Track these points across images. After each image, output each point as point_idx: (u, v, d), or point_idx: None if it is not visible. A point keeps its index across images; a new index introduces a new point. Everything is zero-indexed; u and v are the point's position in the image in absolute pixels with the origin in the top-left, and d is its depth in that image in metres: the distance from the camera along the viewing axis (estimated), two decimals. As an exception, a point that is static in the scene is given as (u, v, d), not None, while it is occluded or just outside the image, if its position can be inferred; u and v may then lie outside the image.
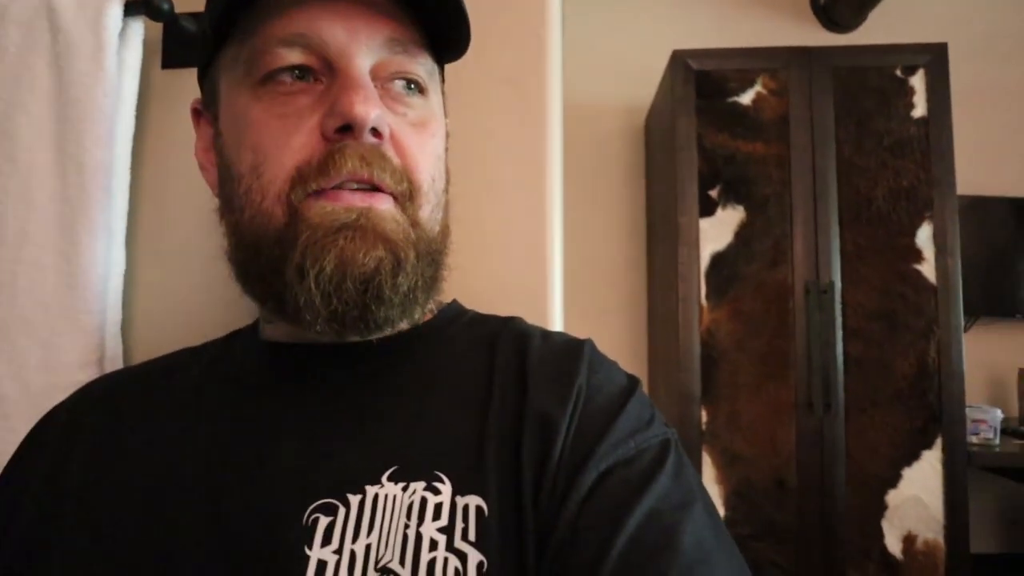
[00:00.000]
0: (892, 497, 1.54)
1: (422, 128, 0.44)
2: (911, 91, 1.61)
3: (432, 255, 0.43)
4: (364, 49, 0.40)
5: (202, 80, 0.48)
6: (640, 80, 2.09)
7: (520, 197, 0.64)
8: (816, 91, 1.63)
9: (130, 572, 0.37)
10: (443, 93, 0.49)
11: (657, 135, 1.94)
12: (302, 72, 0.40)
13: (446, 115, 0.50)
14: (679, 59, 1.68)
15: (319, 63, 0.40)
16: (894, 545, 1.53)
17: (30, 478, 0.43)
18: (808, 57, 1.64)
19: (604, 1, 2.22)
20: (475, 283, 0.62)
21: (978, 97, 2.14)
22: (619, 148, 2.21)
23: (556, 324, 0.63)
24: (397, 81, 0.43)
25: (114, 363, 0.63)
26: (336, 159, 0.38)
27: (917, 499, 1.53)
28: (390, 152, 0.41)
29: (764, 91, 1.64)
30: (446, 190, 0.47)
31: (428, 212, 0.43)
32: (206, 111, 0.47)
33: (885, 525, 1.53)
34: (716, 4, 2.22)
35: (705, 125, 1.65)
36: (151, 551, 0.37)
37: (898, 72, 1.62)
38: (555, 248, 0.65)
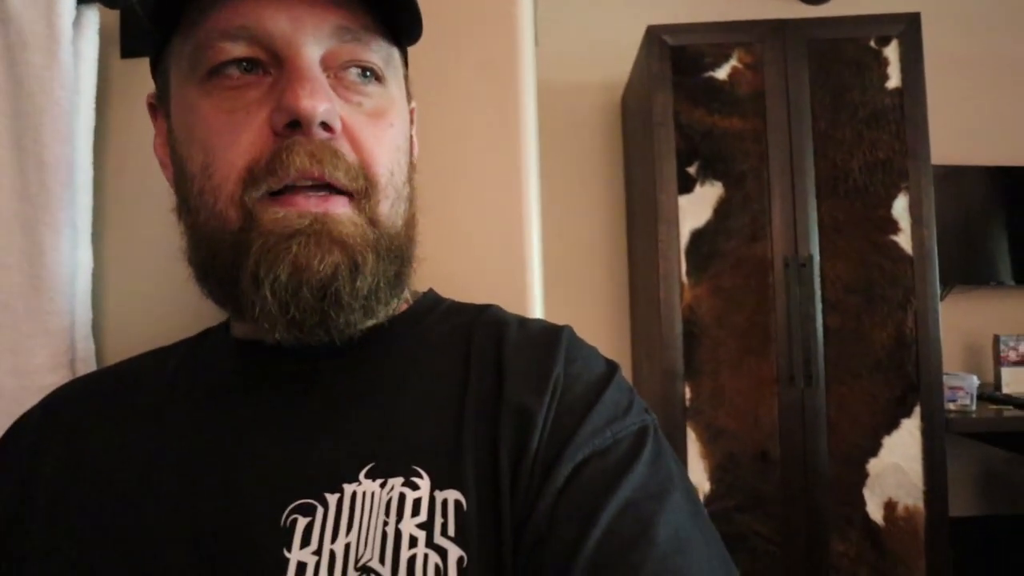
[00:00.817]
0: (873, 465, 1.57)
1: (379, 118, 0.42)
2: (885, 62, 1.62)
3: (395, 252, 0.42)
4: (311, 39, 0.38)
5: (155, 73, 0.46)
6: (615, 57, 2.07)
7: (496, 180, 0.64)
8: (791, 64, 1.63)
9: None
10: (406, 78, 0.48)
11: (634, 112, 1.93)
12: (250, 64, 0.39)
13: (410, 100, 0.49)
14: (654, 35, 1.66)
15: (266, 55, 0.39)
16: (875, 512, 1.56)
17: (2, 484, 0.42)
18: (783, 30, 1.64)
19: (578, -22, 2.19)
20: (453, 269, 0.62)
21: (952, 66, 2.15)
22: (596, 126, 2.19)
23: (536, 306, 0.63)
24: (352, 69, 0.41)
25: (86, 364, 0.61)
26: (284, 157, 0.37)
27: (897, 466, 1.56)
28: (344, 147, 0.39)
29: (740, 65, 1.64)
30: (409, 181, 0.46)
31: (388, 207, 0.42)
32: (160, 105, 0.46)
33: (866, 493, 1.57)
34: (690, -22, 2.20)
35: (681, 101, 1.64)
36: (126, 556, 0.36)
37: (872, 43, 1.62)
38: (533, 231, 0.64)
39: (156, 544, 0.36)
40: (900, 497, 1.56)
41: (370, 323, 0.42)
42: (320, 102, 0.37)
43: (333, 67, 0.40)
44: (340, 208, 0.39)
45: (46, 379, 0.57)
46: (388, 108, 0.43)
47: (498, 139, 0.64)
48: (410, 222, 0.45)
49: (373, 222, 0.40)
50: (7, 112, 0.59)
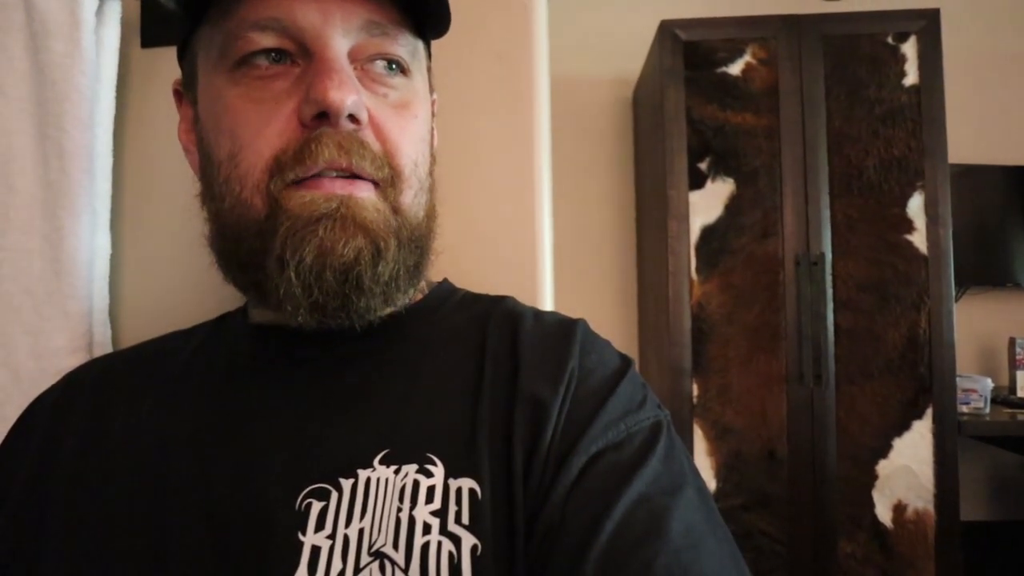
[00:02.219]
0: (882, 467, 1.56)
1: (404, 109, 0.43)
2: (903, 58, 1.60)
3: (416, 241, 0.43)
4: (340, 32, 0.39)
5: (182, 60, 0.47)
6: (628, 52, 2.07)
7: (508, 173, 0.64)
8: (806, 60, 1.61)
9: (120, 558, 0.37)
10: (429, 70, 0.48)
11: (645, 107, 1.92)
12: (279, 55, 0.39)
13: (432, 92, 0.49)
14: (667, 29, 1.66)
15: (295, 46, 0.39)
16: (884, 514, 1.55)
17: (19, 464, 0.43)
18: (798, 25, 1.62)
19: (592, -28, 2.18)
20: (465, 260, 0.62)
21: (970, 64, 2.12)
22: (607, 121, 2.19)
23: (546, 300, 0.63)
24: (378, 62, 0.42)
25: (103, 348, 0.62)
26: (313, 148, 0.38)
27: (907, 468, 1.55)
28: (369, 138, 0.40)
29: (754, 61, 1.63)
30: (431, 173, 0.46)
31: (411, 197, 0.42)
32: (186, 92, 0.46)
33: (875, 495, 1.56)
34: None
35: (694, 96, 1.63)
36: (142, 537, 0.37)
37: (890, 39, 1.61)
38: (544, 224, 0.64)
39: (172, 524, 0.37)
40: (910, 499, 1.55)
41: (388, 310, 0.43)
42: (348, 95, 0.37)
43: (360, 59, 0.41)
44: (365, 192, 0.39)
45: (65, 362, 0.59)
46: (412, 100, 0.43)
47: (511, 132, 0.64)
48: (430, 214, 0.45)
49: (396, 210, 0.41)
50: (30, 99, 0.60)
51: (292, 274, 0.37)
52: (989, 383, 1.79)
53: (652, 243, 1.85)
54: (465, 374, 0.41)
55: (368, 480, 0.36)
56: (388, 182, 0.41)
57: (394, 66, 0.42)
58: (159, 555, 0.36)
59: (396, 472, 0.36)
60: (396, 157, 0.41)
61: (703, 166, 1.62)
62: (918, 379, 1.55)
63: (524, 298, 0.51)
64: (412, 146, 0.43)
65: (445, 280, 0.53)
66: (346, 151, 0.38)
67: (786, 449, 1.57)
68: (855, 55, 1.61)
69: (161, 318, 0.62)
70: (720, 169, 1.62)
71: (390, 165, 0.41)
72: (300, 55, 0.39)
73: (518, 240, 0.63)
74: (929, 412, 1.55)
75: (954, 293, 1.57)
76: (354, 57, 0.40)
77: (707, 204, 1.62)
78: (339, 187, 0.38)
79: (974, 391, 1.77)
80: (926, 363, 1.55)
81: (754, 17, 1.65)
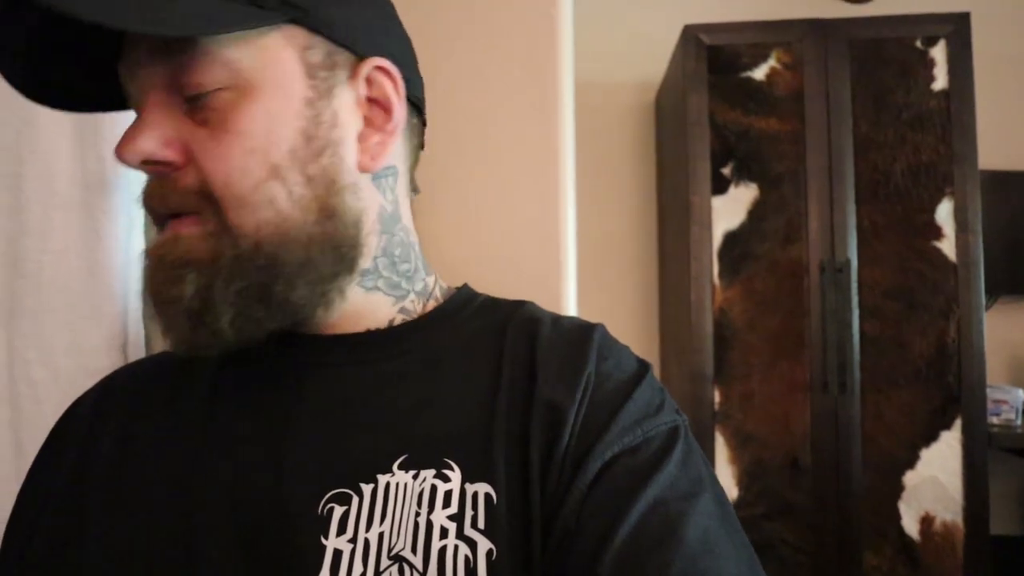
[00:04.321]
0: (909, 478, 1.53)
1: (222, 129, 0.38)
2: (931, 63, 1.58)
3: (301, 242, 0.39)
4: (143, 87, 0.38)
5: None
6: (651, 56, 2.06)
7: (532, 178, 0.64)
8: (832, 64, 1.60)
9: (151, 562, 0.38)
10: (308, 49, 0.40)
11: (668, 112, 1.92)
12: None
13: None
14: (691, 34, 1.65)
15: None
16: (911, 526, 1.52)
17: (59, 468, 0.44)
18: (824, 29, 1.61)
19: (615, -23, 2.18)
20: (488, 265, 0.63)
21: (1001, 68, 2.08)
22: (630, 126, 2.18)
23: (569, 304, 0.64)
24: (193, 92, 0.38)
25: (136, 348, 0.64)
26: (143, 198, 0.40)
27: (935, 480, 1.52)
28: (187, 176, 0.38)
29: (778, 65, 1.61)
30: (307, 168, 0.40)
31: (259, 214, 0.38)
32: None
33: (902, 506, 1.53)
34: (730, -22, 2.17)
35: (717, 101, 1.62)
36: (172, 541, 0.38)
37: (918, 43, 1.58)
38: (568, 229, 0.65)
39: (200, 527, 0.38)
40: (938, 512, 1.52)
41: (397, 313, 0.44)
42: (134, 145, 0.37)
43: (183, 95, 0.38)
44: (190, 228, 0.38)
45: (100, 361, 0.60)
46: (234, 115, 0.38)
47: (535, 137, 0.65)
48: (331, 212, 0.40)
49: (233, 231, 0.38)
50: (69, 105, 0.62)
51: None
52: (1021, 394, 1.75)
53: (674, 248, 1.85)
54: (483, 379, 0.42)
55: (388, 485, 0.37)
56: (216, 212, 0.38)
57: (206, 91, 0.38)
58: (190, 557, 0.37)
59: (415, 477, 0.37)
60: (215, 187, 0.37)
61: (726, 171, 1.61)
62: (946, 389, 1.53)
63: (547, 303, 0.51)
64: (238, 165, 0.38)
65: (465, 285, 0.53)
66: (159, 196, 0.39)
67: (809, 458, 1.55)
68: (882, 59, 1.59)
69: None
70: (744, 174, 1.61)
71: (212, 197, 0.38)
72: None
73: (541, 245, 0.64)
74: (958, 423, 1.52)
75: (984, 302, 1.54)
76: (172, 94, 0.38)
77: (730, 210, 1.61)
78: (171, 227, 0.39)
79: (1005, 402, 1.74)
80: (955, 372, 1.52)
81: (779, 21, 1.64)
